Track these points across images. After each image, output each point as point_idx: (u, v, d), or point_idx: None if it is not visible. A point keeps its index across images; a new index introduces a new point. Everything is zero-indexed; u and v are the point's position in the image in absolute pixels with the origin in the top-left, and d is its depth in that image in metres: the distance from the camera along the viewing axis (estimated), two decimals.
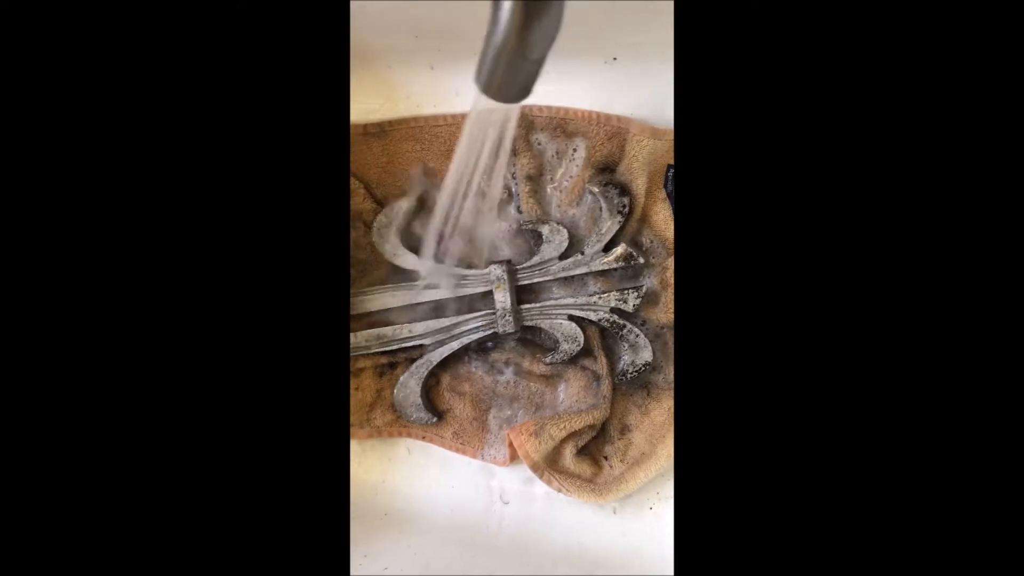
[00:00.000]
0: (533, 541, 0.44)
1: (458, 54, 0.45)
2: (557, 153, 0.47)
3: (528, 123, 0.46)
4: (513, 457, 0.46)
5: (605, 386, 0.46)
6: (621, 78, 0.45)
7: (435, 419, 0.48)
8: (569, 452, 0.44)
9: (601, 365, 0.46)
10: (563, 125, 0.46)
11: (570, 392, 0.47)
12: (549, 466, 0.44)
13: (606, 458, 0.46)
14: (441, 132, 0.47)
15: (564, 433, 0.43)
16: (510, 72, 0.29)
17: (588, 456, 0.46)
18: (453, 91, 0.47)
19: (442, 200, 0.42)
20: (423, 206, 0.48)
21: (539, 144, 0.47)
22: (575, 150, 0.46)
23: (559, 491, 0.45)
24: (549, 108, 0.46)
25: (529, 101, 0.47)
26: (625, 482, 0.44)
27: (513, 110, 0.38)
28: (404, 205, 0.47)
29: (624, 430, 0.46)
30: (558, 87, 0.46)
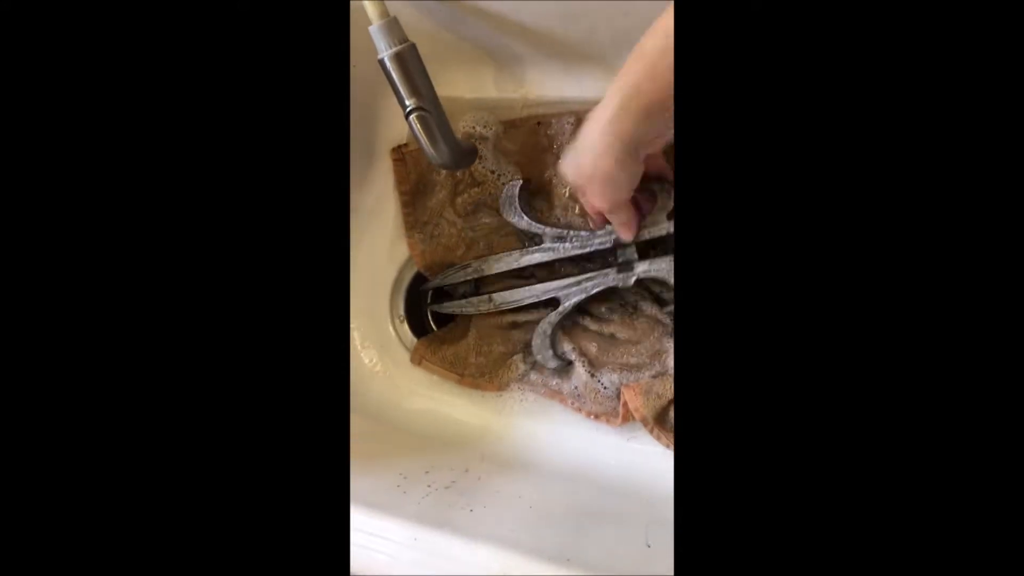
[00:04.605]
0: (646, 486, 0.50)
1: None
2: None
3: None
4: (626, 418, 0.51)
5: None
6: None
7: (564, 364, 0.54)
8: (674, 413, 0.49)
9: None
10: None
11: None
12: (658, 423, 0.49)
13: None
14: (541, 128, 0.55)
15: (671, 393, 0.49)
16: (443, 162, 0.49)
17: None
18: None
19: None
20: (529, 182, 0.55)
21: None
22: None
23: (667, 447, 0.50)
24: None
25: None
26: None
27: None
28: (516, 181, 0.55)
29: None
30: None
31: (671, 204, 0.50)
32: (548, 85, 0.54)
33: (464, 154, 0.51)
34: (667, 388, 0.49)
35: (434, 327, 0.61)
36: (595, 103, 0.53)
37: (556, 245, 0.54)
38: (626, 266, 0.52)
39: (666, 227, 0.50)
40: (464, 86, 0.56)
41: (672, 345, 0.52)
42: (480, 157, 0.55)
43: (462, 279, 0.57)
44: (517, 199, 0.54)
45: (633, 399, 0.49)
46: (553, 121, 0.54)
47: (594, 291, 0.53)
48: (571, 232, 0.53)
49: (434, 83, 0.59)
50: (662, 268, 0.51)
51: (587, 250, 0.53)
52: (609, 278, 0.52)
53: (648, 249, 0.53)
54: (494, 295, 0.56)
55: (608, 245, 0.52)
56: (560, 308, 0.53)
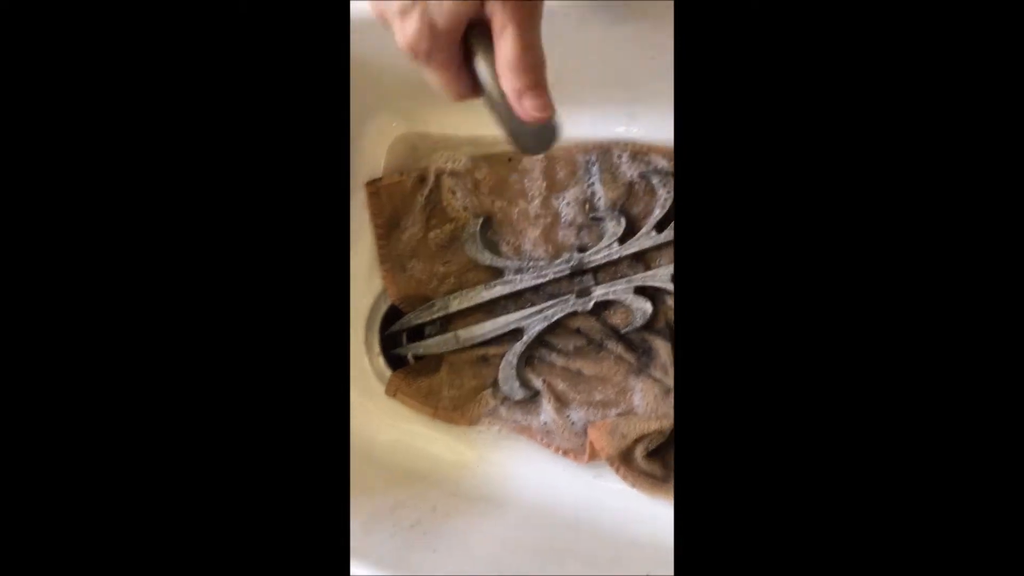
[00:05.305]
0: (611, 527, 0.50)
1: None
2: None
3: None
4: (592, 456, 0.52)
5: (672, 399, 0.51)
6: None
7: (531, 394, 0.54)
8: (640, 452, 0.50)
9: (671, 376, 0.51)
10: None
11: (645, 400, 0.52)
12: (623, 462, 0.50)
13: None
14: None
15: (636, 433, 0.49)
16: (526, 148, 0.38)
17: (660, 458, 0.51)
18: None
19: None
20: (491, 219, 0.56)
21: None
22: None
23: (632, 486, 0.50)
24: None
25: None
26: None
27: None
28: (478, 219, 0.56)
29: None
30: None
31: (621, 230, 0.52)
32: None
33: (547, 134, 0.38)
34: (632, 428, 0.49)
35: (410, 359, 0.61)
36: (569, 141, 0.54)
37: (516, 277, 0.55)
38: (584, 292, 0.54)
39: (618, 251, 0.53)
40: (436, 123, 0.57)
41: (637, 384, 0.52)
42: (453, 192, 0.56)
43: (428, 319, 0.57)
44: (479, 236, 0.56)
45: (599, 438, 0.50)
46: (524, 157, 0.55)
47: (555, 318, 0.54)
48: (529, 263, 0.55)
49: (406, 120, 0.60)
50: (618, 290, 0.53)
51: (545, 279, 0.54)
52: (569, 304, 0.54)
53: (604, 274, 0.55)
54: (459, 332, 0.56)
55: (565, 273, 0.54)
56: (524, 338, 0.54)
